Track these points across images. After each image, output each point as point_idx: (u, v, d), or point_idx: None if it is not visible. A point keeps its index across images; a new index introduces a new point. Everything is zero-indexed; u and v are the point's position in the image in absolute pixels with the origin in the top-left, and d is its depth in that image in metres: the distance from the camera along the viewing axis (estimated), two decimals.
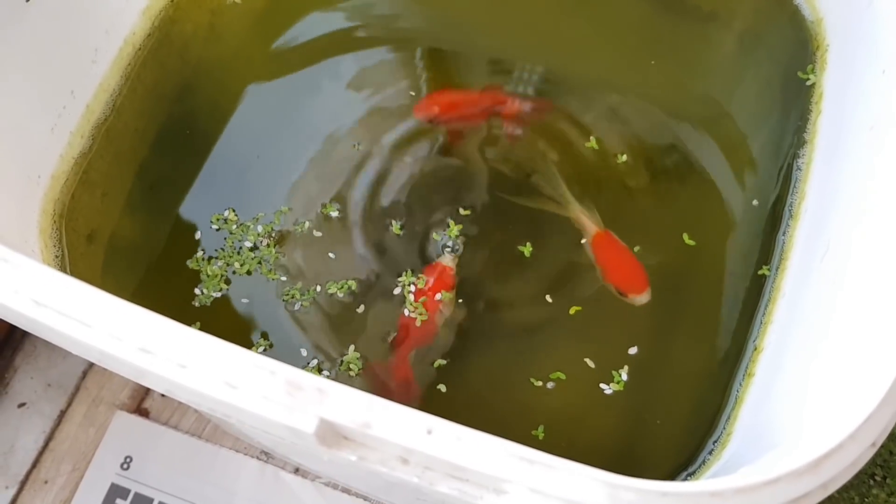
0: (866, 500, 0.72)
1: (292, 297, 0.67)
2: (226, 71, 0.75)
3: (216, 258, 0.68)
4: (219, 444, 0.73)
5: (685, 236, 0.68)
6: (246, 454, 0.73)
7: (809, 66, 0.71)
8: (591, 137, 0.72)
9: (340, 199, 0.70)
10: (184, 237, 0.69)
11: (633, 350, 0.64)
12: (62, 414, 0.75)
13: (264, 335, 0.66)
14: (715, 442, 0.60)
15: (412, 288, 0.66)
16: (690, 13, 0.77)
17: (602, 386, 0.63)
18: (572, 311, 0.66)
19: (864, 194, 0.55)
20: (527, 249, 0.68)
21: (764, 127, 0.71)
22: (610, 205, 0.69)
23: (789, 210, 0.66)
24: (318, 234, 0.69)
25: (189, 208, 0.70)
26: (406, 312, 0.66)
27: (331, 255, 0.69)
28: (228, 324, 0.66)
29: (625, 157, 0.71)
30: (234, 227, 0.69)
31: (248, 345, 0.66)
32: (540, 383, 0.64)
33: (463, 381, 0.65)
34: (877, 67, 0.59)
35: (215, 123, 0.73)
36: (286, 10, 0.78)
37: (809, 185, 0.65)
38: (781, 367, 0.57)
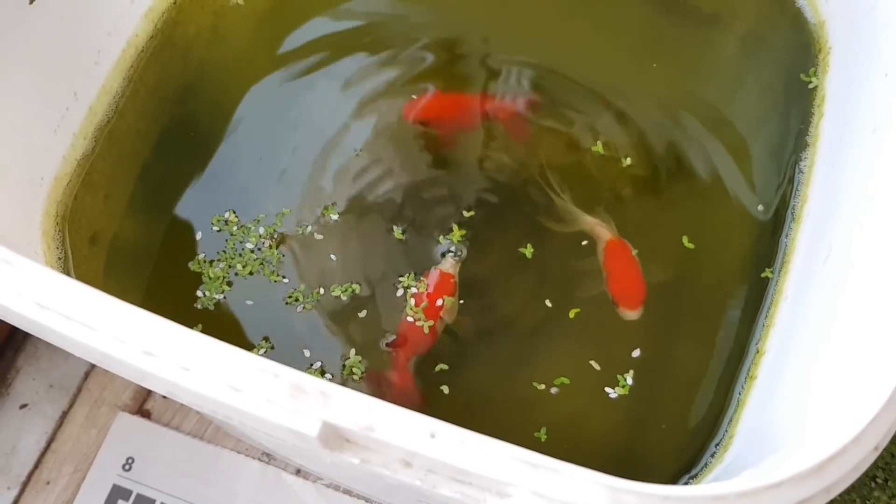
0: (868, 502, 0.72)
1: (295, 300, 0.67)
2: (228, 73, 0.75)
3: (218, 260, 0.68)
4: (220, 446, 0.73)
5: (684, 239, 0.68)
6: (247, 455, 0.73)
7: (812, 69, 0.71)
8: (598, 142, 0.71)
9: (342, 202, 0.70)
10: (186, 239, 0.69)
11: (636, 353, 0.64)
12: (64, 415, 0.75)
13: (266, 338, 0.66)
14: (717, 445, 0.60)
15: (413, 292, 0.66)
16: (692, 15, 0.77)
17: (608, 390, 0.63)
18: (572, 314, 0.66)
19: (867, 197, 0.55)
20: (528, 251, 0.68)
21: (766, 129, 0.71)
22: (613, 207, 0.69)
23: (791, 213, 0.66)
24: (319, 237, 0.69)
25: (191, 210, 0.70)
26: (408, 318, 0.66)
27: (332, 256, 0.69)
28: (230, 326, 0.66)
29: (629, 160, 0.71)
30: (235, 228, 0.69)
31: (248, 347, 0.66)
32: (542, 386, 0.64)
33: (465, 383, 0.65)
34: (879, 70, 0.59)
35: (217, 125, 0.73)
36: (289, 12, 0.78)
37: (811, 188, 0.65)
38: (784, 370, 0.57)
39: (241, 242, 0.69)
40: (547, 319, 0.66)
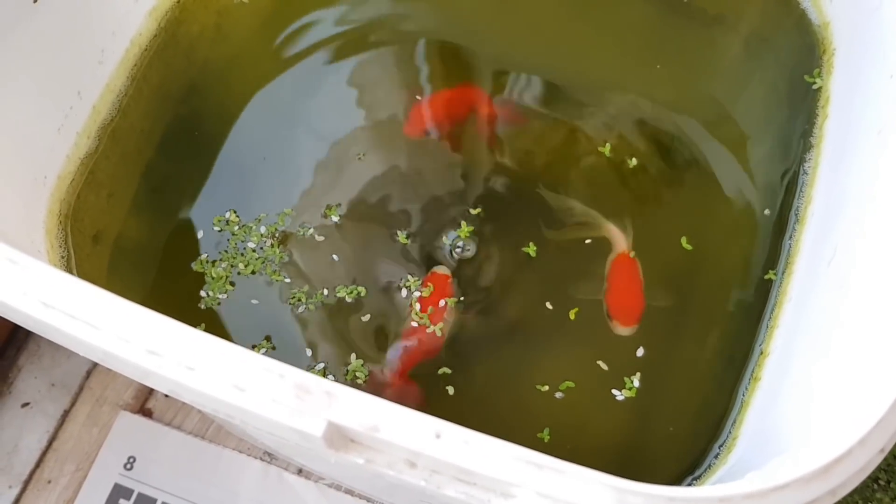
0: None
1: (298, 301, 0.67)
2: (232, 72, 0.75)
3: (220, 260, 0.68)
4: (222, 445, 0.73)
5: (687, 240, 0.68)
6: (249, 455, 0.73)
7: (816, 70, 0.71)
8: (607, 144, 0.71)
9: (345, 203, 0.70)
10: (188, 238, 0.69)
11: (639, 352, 0.64)
12: (66, 414, 0.75)
13: (267, 338, 0.66)
14: (721, 446, 0.60)
15: (417, 296, 0.66)
16: (696, 16, 0.77)
17: (614, 392, 0.63)
18: (572, 315, 0.66)
19: (872, 198, 0.55)
20: (531, 250, 0.68)
21: (770, 131, 0.71)
22: (617, 208, 0.69)
23: (796, 214, 0.66)
24: (320, 238, 0.69)
25: (194, 210, 0.70)
26: (413, 324, 0.65)
27: (334, 256, 0.68)
28: (233, 326, 0.66)
29: (634, 161, 0.71)
30: (236, 228, 0.69)
31: (250, 347, 0.66)
32: (546, 388, 0.64)
33: (468, 383, 0.65)
34: (884, 71, 0.59)
35: (221, 124, 0.73)
36: (293, 11, 0.77)
37: (816, 190, 0.65)
38: (788, 372, 0.57)
39: (242, 242, 0.69)
40: (550, 319, 0.66)
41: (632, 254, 0.67)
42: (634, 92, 0.74)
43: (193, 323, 0.63)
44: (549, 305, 0.66)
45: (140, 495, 0.72)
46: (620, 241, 0.67)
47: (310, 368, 0.65)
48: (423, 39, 0.77)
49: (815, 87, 0.70)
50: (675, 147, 0.72)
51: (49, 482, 0.73)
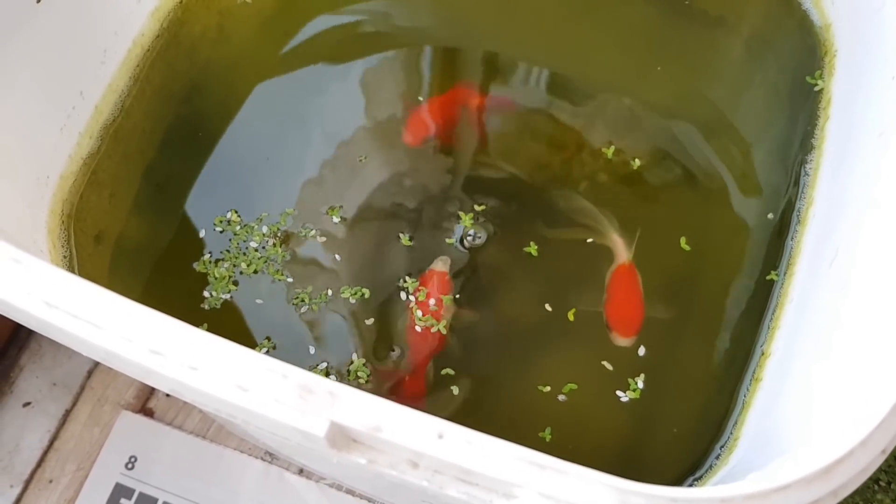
0: None
1: (301, 301, 0.67)
2: (234, 72, 0.75)
3: (223, 260, 0.68)
4: (223, 445, 0.73)
5: (687, 241, 0.68)
6: (250, 455, 0.73)
7: (818, 72, 0.71)
8: (612, 146, 0.71)
9: (346, 204, 0.70)
10: (190, 238, 0.69)
11: (641, 352, 0.64)
12: (67, 413, 0.75)
13: (268, 337, 0.66)
14: (722, 447, 0.60)
15: (417, 297, 0.66)
16: (698, 18, 0.77)
17: (618, 393, 0.63)
18: (570, 316, 0.66)
19: (873, 199, 0.55)
20: (533, 249, 0.68)
21: (771, 132, 0.71)
22: (618, 209, 0.69)
23: (797, 215, 0.66)
24: (322, 238, 0.69)
25: (196, 210, 0.70)
26: (416, 325, 0.66)
27: (336, 257, 0.69)
28: (235, 326, 0.66)
29: (637, 163, 0.71)
30: (238, 227, 0.69)
31: (251, 347, 0.66)
32: (548, 388, 0.64)
33: (469, 382, 0.65)
34: (886, 73, 0.59)
35: (223, 124, 0.73)
36: (296, 11, 0.78)
37: (817, 191, 0.65)
38: (789, 373, 0.57)
39: (244, 242, 0.69)
40: (551, 319, 0.66)
41: (632, 254, 0.67)
42: (635, 93, 0.74)
43: (196, 323, 0.63)
44: (548, 307, 0.66)
45: (141, 495, 0.72)
46: (622, 251, 0.67)
47: (312, 368, 0.65)
48: (424, 41, 0.77)
49: (816, 88, 0.70)
50: (676, 148, 0.72)
51: (50, 482, 0.73)
